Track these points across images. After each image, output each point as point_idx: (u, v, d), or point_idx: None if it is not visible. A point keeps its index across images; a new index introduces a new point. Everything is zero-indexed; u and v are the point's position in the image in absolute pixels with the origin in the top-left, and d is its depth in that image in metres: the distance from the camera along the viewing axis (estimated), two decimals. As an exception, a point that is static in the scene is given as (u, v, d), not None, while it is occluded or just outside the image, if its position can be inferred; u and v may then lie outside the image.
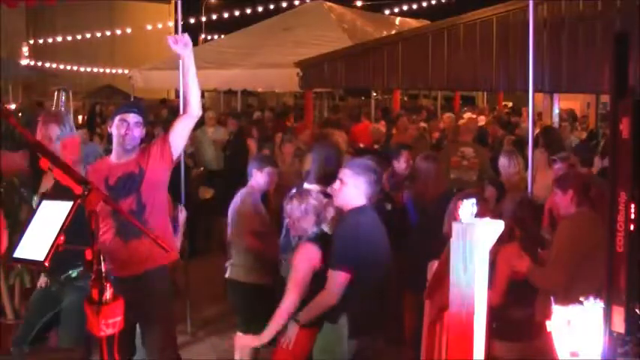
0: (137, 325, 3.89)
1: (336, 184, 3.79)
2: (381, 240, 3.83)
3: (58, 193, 2.77)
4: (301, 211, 3.93)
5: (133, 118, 3.75)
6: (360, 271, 3.62)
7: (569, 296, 2.93)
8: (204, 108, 14.37)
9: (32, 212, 2.06)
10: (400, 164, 5.70)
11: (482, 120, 11.98)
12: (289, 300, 3.77)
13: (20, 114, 12.80)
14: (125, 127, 3.73)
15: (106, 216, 3.59)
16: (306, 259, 3.79)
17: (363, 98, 21.45)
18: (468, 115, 10.87)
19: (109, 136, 4.37)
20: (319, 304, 3.68)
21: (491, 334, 4.14)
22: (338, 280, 3.60)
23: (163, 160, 3.82)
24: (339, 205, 3.86)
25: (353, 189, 3.73)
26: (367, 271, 3.64)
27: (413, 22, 15.76)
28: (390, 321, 4.13)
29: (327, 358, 3.71)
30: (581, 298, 2.44)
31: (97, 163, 3.95)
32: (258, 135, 9.51)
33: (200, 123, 10.56)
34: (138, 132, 3.78)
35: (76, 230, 1.97)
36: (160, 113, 13.49)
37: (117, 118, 3.75)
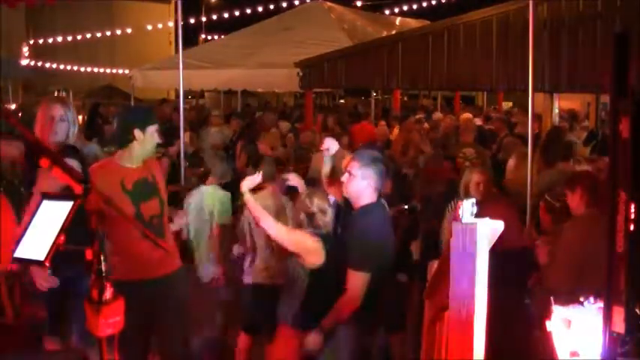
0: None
1: (345, 177, 3.78)
2: (388, 238, 3.84)
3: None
4: (297, 209, 4.04)
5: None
6: (374, 270, 3.62)
7: (572, 297, 2.94)
8: (206, 108, 14.26)
9: (32, 212, 2.06)
10: None
11: (479, 120, 11.94)
12: (280, 231, 3.82)
13: (20, 113, 12.79)
14: (158, 138, 3.82)
15: (126, 221, 3.58)
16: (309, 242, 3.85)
17: (363, 98, 21.48)
18: (466, 115, 10.87)
19: (114, 137, 4.39)
20: (345, 307, 3.61)
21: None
22: (360, 281, 3.58)
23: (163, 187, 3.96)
24: (349, 197, 3.84)
25: (362, 181, 3.70)
26: (377, 270, 3.64)
27: (413, 22, 15.75)
28: (393, 314, 4.15)
29: (335, 357, 3.72)
30: (581, 298, 2.44)
31: (104, 165, 3.91)
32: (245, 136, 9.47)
33: (203, 123, 10.56)
34: None
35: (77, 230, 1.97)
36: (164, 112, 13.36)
37: (154, 129, 3.75)
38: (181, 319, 3.94)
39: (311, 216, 3.91)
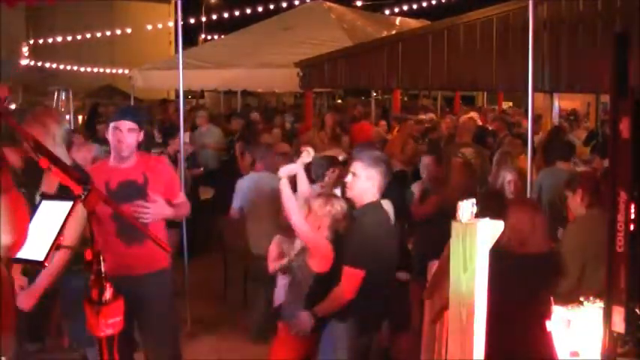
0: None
1: (349, 177, 3.84)
2: (389, 237, 3.87)
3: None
4: (324, 212, 3.92)
5: (125, 125, 3.71)
6: (372, 269, 3.66)
7: (572, 297, 2.93)
8: (201, 108, 14.27)
9: (32, 212, 2.05)
10: None
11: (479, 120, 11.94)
12: (303, 223, 3.83)
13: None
14: (119, 136, 3.71)
15: (105, 218, 3.56)
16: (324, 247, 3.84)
17: (363, 98, 21.47)
18: (468, 115, 10.87)
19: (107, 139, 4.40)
20: (336, 300, 3.69)
21: None
22: (355, 277, 3.64)
23: (164, 191, 3.86)
24: (353, 197, 3.88)
25: (366, 181, 3.78)
26: (378, 270, 3.69)
27: (413, 22, 15.74)
28: (396, 312, 4.16)
29: (335, 356, 3.72)
30: (581, 298, 2.44)
31: (97, 166, 3.97)
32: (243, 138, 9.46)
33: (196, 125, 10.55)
34: (132, 138, 3.75)
35: None
36: (167, 111, 13.28)
37: (111, 126, 3.74)
38: (165, 320, 3.89)
39: (336, 225, 3.91)
